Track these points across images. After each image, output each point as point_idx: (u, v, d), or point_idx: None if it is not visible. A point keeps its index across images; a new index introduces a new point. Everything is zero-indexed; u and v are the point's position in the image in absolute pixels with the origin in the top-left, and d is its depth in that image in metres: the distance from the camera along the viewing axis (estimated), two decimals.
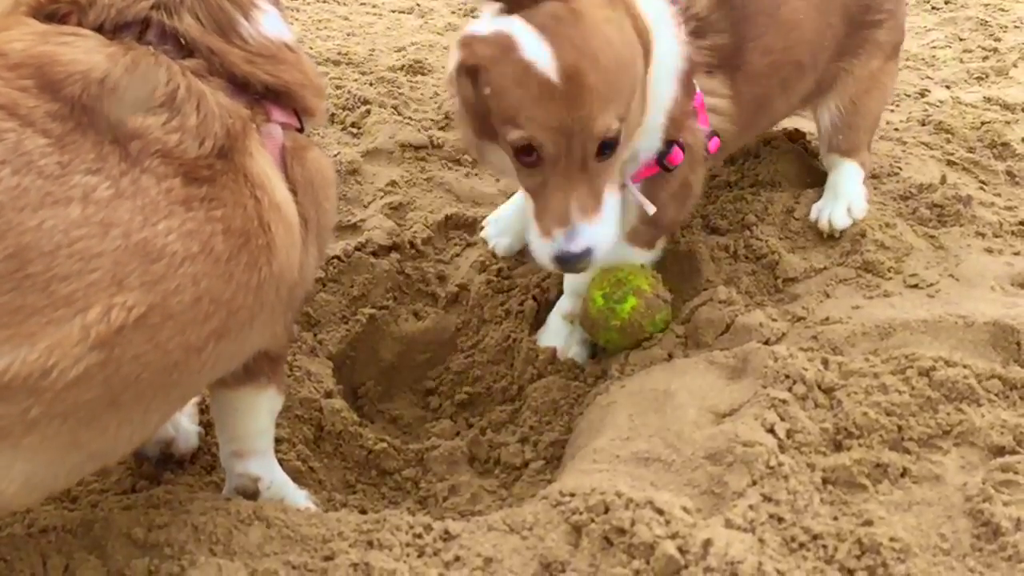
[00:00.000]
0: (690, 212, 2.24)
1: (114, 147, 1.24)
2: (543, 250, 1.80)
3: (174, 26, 1.39)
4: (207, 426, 1.90)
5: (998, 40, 3.88)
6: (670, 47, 1.92)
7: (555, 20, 1.71)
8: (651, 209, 1.97)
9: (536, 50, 1.69)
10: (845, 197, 2.33)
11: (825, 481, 1.60)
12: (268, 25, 1.51)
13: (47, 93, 1.23)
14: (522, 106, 1.71)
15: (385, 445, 2.05)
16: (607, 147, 1.76)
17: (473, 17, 4.02)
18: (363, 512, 1.85)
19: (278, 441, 1.93)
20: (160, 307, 1.22)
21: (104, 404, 1.20)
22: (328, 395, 2.09)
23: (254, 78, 1.45)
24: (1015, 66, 3.57)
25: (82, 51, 1.29)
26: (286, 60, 1.51)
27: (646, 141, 1.94)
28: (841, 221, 2.28)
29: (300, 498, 1.76)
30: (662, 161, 1.98)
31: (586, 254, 1.78)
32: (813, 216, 2.32)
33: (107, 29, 1.35)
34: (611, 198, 1.82)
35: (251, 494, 1.69)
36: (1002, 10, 4.29)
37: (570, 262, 1.79)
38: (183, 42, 1.40)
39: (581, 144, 1.72)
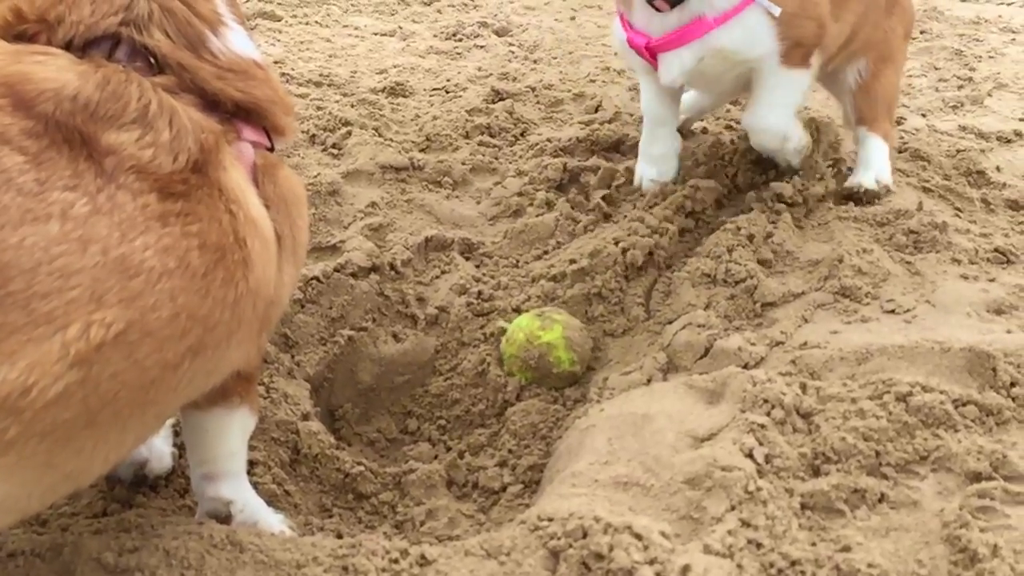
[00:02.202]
0: (825, 32, 2.42)
1: (89, 163, 1.24)
2: None
3: (144, 42, 1.39)
4: (181, 448, 1.87)
5: (973, 70, 3.94)
6: None
7: None
8: (776, 10, 2.23)
9: None
10: (874, 168, 2.63)
11: (803, 506, 1.60)
12: (236, 42, 1.51)
13: (21, 111, 1.22)
14: None
15: (362, 468, 2.03)
16: None
17: (456, 41, 4.06)
18: (339, 536, 1.83)
19: (253, 464, 1.90)
20: (138, 323, 1.20)
21: (82, 423, 1.19)
22: (305, 417, 2.07)
23: (224, 94, 1.44)
24: (989, 95, 3.63)
25: (54, 69, 1.28)
26: (256, 76, 1.51)
27: None
28: (870, 183, 2.59)
29: (275, 522, 1.74)
30: None
31: None
32: (847, 185, 2.59)
33: (76, 46, 1.35)
34: None
35: (223, 518, 1.67)
36: (977, 40, 4.36)
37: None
38: (152, 60, 1.40)
39: None
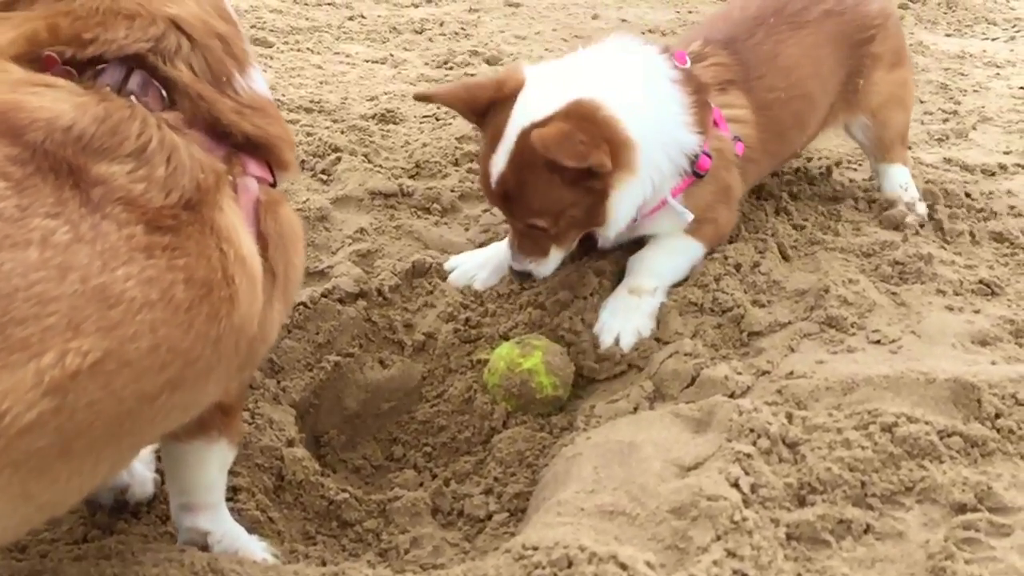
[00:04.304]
0: (737, 214, 2.52)
1: (75, 192, 1.24)
2: (507, 253, 2.35)
3: (165, 72, 1.42)
4: (163, 474, 1.85)
5: (958, 103, 3.99)
6: (668, 97, 2.25)
7: (521, 136, 2.10)
8: (688, 216, 2.31)
9: (493, 156, 2.15)
10: (911, 195, 2.76)
11: (789, 537, 1.60)
12: (258, 80, 1.55)
13: (7, 138, 1.23)
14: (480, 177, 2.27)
15: (347, 495, 2.01)
16: (534, 228, 2.21)
17: (447, 69, 4.08)
18: (323, 564, 1.81)
19: (237, 490, 1.89)
20: (116, 353, 1.19)
21: (56, 452, 1.17)
22: (290, 444, 2.06)
23: (237, 128, 1.47)
24: (974, 129, 3.67)
25: (50, 100, 1.29)
26: (271, 115, 1.54)
27: (663, 182, 2.27)
28: (921, 209, 2.73)
29: (256, 550, 1.72)
30: (694, 170, 2.29)
31: (525, 275, 2.31)
32: (887, 214, 2.68)
33: (109, 58, 1.39)
34: (556, 252, 2.28)
35: (201, 548, 1.65)
36: (962, 75, 4.42)
37: (514, 274, 2.35)
38: (164, 94, 1.41)
39: (512, 219, 2.26)
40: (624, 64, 2.24)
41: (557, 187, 2.11)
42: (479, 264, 2.47)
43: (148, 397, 1.25)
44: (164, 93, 1.42)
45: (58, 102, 1.29)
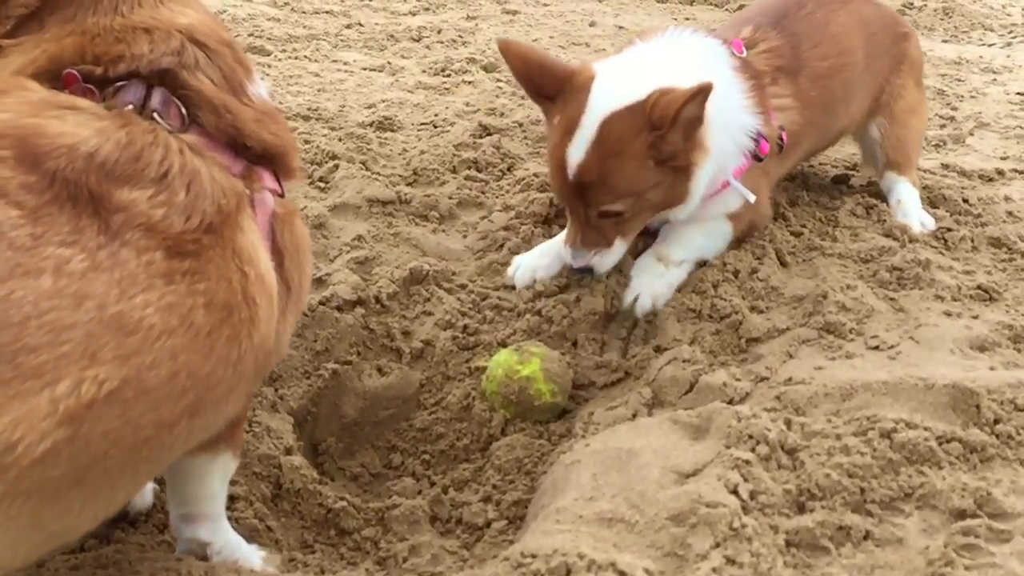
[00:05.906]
0: (771, 209, 2.61)
1: (92, 220, 1.23)
2: (564, 253, 2.38)
3: (191, 84, 1.42)
4: (162, 482, 1.85)
5: (955, 109, 3.99)
6: (728, 82, 2.33)
7: (604, 123, 2.16)
8: (752, 197, 2.38)
9: (570, 146, 2.20)
10: (914, 215, 2.74)
11: (788, 544, 1.60)
12: (262, 88, 1.56)
13: (24, 165, 1.21)
14: (549, 169, 2.31)
15: (345, 503, 2.01)
16: (607, 215, 2.26)
17: (445, 76, 4.08)
18: (321, 573, 1.81)
19: (235, 498, 1.88)
20: (134, 381, 1.18)
21: (70, 482, 1.15)
22: (288, 452, 2.06)
23: (257, 137, 1.47)
24: (971, 134, 3.67)
25: (72, 124, 1.28)
26: (281, 120, 1.55)
27: (728, 163, 2.35)
28: (917, 228, 2.67)
29: (255, 559, 1.71)
30: (755, 154, 2.38)
31: (585, 270, 2.36)
32: (890, 226, 2.65)
33: (142, 72, 1.40)
34: (620, 243, 2.33)
35: (200, 559, 1.64)
36: (959, 81, 4.43)
37: (573, 272, 2.38)
38: (183, 111, 1.41)
39: (583, 209, 2.27)
40: (687, 53, 2.36)
41: (646, 168, 2.19)
42: (538, 256, 2.50)
43: (167, 424, 1.23)
44: (184, 110, 1.42)
45: (80, 127, 1.28)
